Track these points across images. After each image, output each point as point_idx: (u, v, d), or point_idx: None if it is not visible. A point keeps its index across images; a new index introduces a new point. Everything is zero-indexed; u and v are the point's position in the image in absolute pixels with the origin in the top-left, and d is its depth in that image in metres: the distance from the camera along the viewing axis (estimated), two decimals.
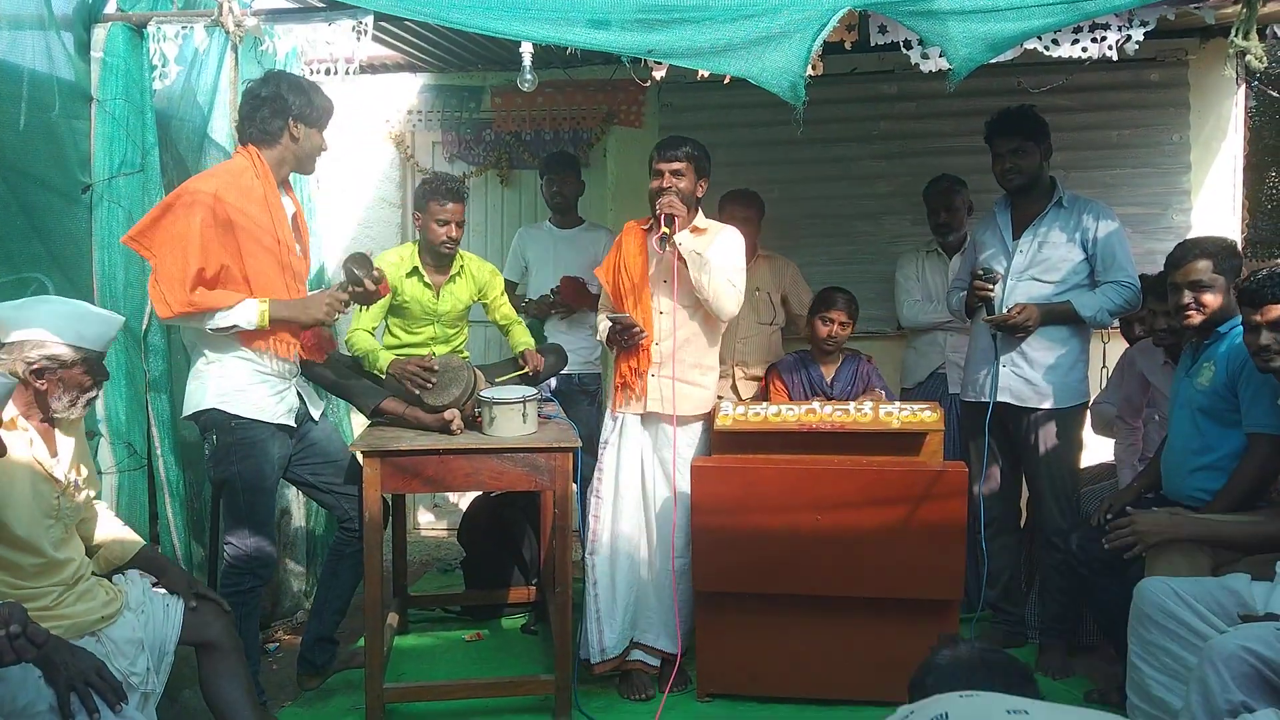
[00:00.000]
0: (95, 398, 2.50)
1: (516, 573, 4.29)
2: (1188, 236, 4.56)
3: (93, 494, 2.57)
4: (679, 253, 3.28)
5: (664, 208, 3.27)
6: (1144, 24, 3.07)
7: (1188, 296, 3.01)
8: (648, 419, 3.43)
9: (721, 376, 4.26)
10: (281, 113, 2.97)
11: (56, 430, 2.44)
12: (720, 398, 4.16)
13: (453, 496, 5.54)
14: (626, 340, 3.34)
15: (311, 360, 3.23)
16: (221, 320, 2.87)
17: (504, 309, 3.83)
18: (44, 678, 2.02)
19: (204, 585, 2.66)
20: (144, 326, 3.26)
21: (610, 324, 3.36)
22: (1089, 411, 3.76)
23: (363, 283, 3.05)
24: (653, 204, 3.33)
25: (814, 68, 2.90)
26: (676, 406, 3.36)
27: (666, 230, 3.26)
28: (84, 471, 2.50)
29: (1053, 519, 3.54)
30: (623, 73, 3.79)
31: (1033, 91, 4.54)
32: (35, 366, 2.32)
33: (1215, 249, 3.00)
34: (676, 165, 3.33)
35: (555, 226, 4.53)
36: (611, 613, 3.37)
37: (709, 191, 3.51)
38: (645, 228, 3.44)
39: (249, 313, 2.89)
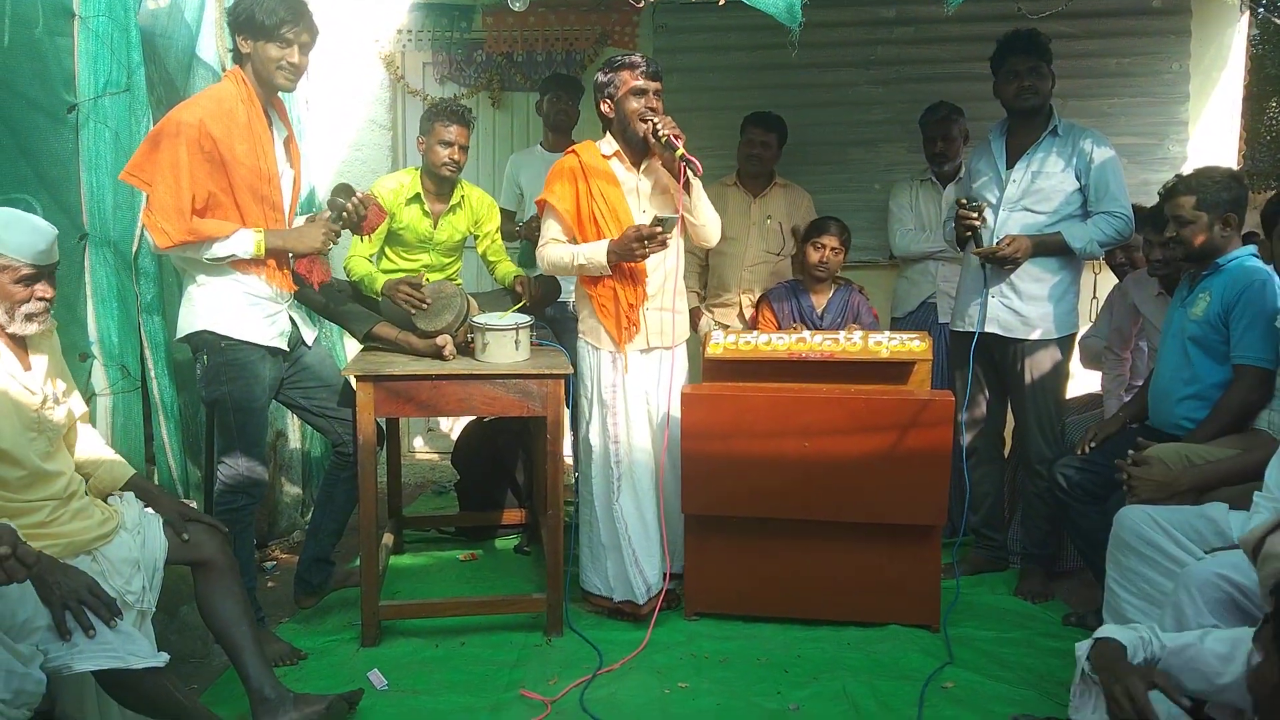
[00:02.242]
0: (39, 315, 2.36)
1: (509, 495, 4.36)
2: (1183, 167, 4.56)
3: (79, 411, 2.57)
4: (686, 177, 3.16)
5: (670, 128, 3.14)
6: None
7: (1171, 230, 3.05)
8: (647, 353, 3.38)
9: (728, 305, 4.29)
10: (233, 30, 2.89)
11: (27, 345, 2.43)
12: (721, 325, 4.18)
13: (445, 424, 5.59)
14: (646, 252, 3.14)
15: (306, 284, 3.23)
16: (219, 250, 2.86)
17: (495, 244, 3.82)
18: (40, 597, 2.06)
19: (194, 510, 2.69)
20: (134, 250, 3.25)
21: (624, 244, 3.12)
22: (1077, 345, 3.79)
23: (348, 210, 3.03)
24: (629, 128, 3.20)
25: None
26: (675, 336, 3.37)
27: (683, 153, 3.11)
28: (61, 385, 2.49)
29: (1037, 448, 3.60)
30: None
31: (1032, 17, 4.46)
32: None
33: (1202, 184, 2.99)
34: (660, 85, 3.23)
35: (546, 150, 4.49)
36: (649, 551, 3.34)
37: (710, 112, 3.40)
38: (609, 154, 3.28)
39: (245, 242, 2.88)
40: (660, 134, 3.15)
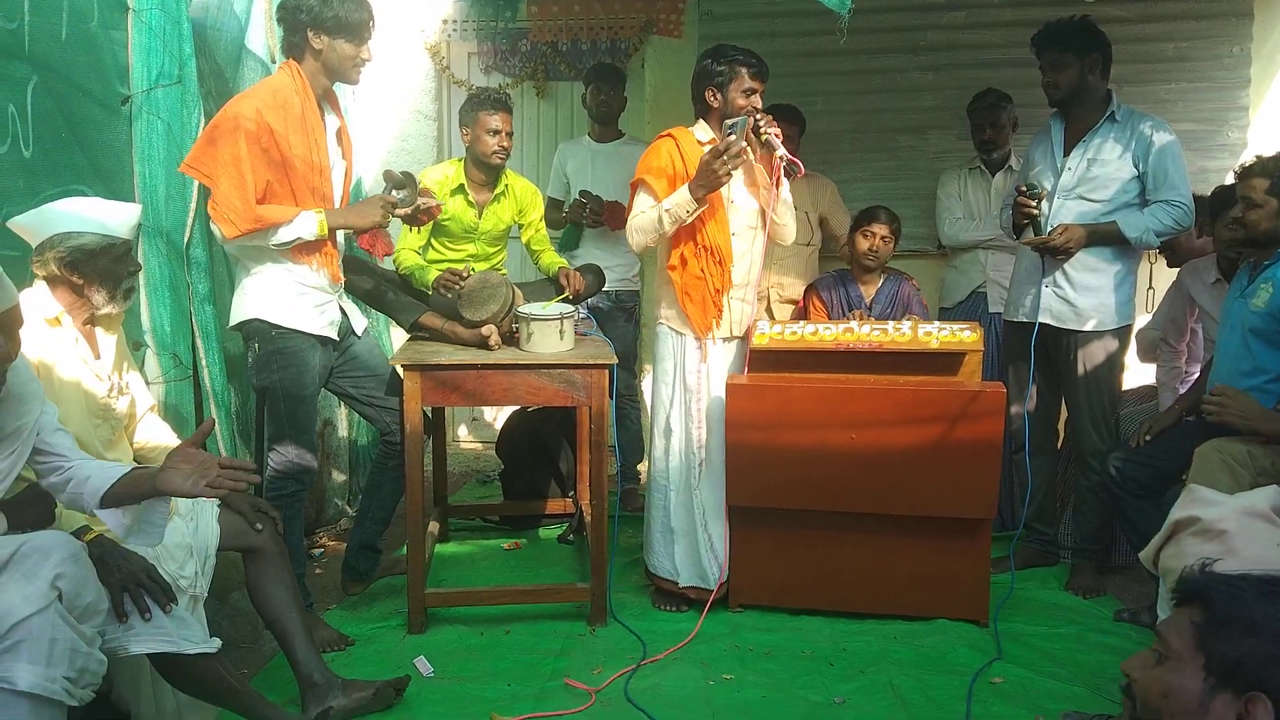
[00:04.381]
0: (133, 289, 2.56)
1: (553, 485, 4.37)
2: (1243, 154, 4.44)
3: (147, 403, 2.65)
4: (781, 176, 3.20)
5: (773, 127, 3.18)
6: None
7: (1238, 210, 2.99)
8: (728, 341, 3.37)
9: (757, 298, 4.26)
10: (299, 25, 2.93)
11: (98, 330, 2.51)
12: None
13: (489, 413, 5.62)
14: (728, 168, 3.05)
15: (356, 273, 3.27)
16: (285, 234, 2.90)
17: (539, 233, 3.82)
18: (98, 577, 2.11)
19: (250, 496, 2.73)
20: (185, 240, 3.29)
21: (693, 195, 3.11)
22: (1134, 337, 3.71)
23: (405, 186, 3.08)
24: (724, 119, 3.20)
25: None
26: (743, 328, 3.38)
27: (784, 154, 3.15)
28: (127, 373, 2.58)
29: (1090, 440, 3.52)
30: None
31: (1087, 1, 4.38)
32: (67, 259, 2.38)
33: (1279, 169, 2.91)
34: (764, 86, 3.25)
35: (594, 140, 4.48)
36: (721, 536, 3.34)
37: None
38: (706, 141, 3.27)
39: (309, 223, 2.92)
40: (764, 133, 3.18)
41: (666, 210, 3.17)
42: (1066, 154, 3.50)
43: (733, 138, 3.07)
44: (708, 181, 3.09)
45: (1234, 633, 1.39)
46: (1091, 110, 3.46)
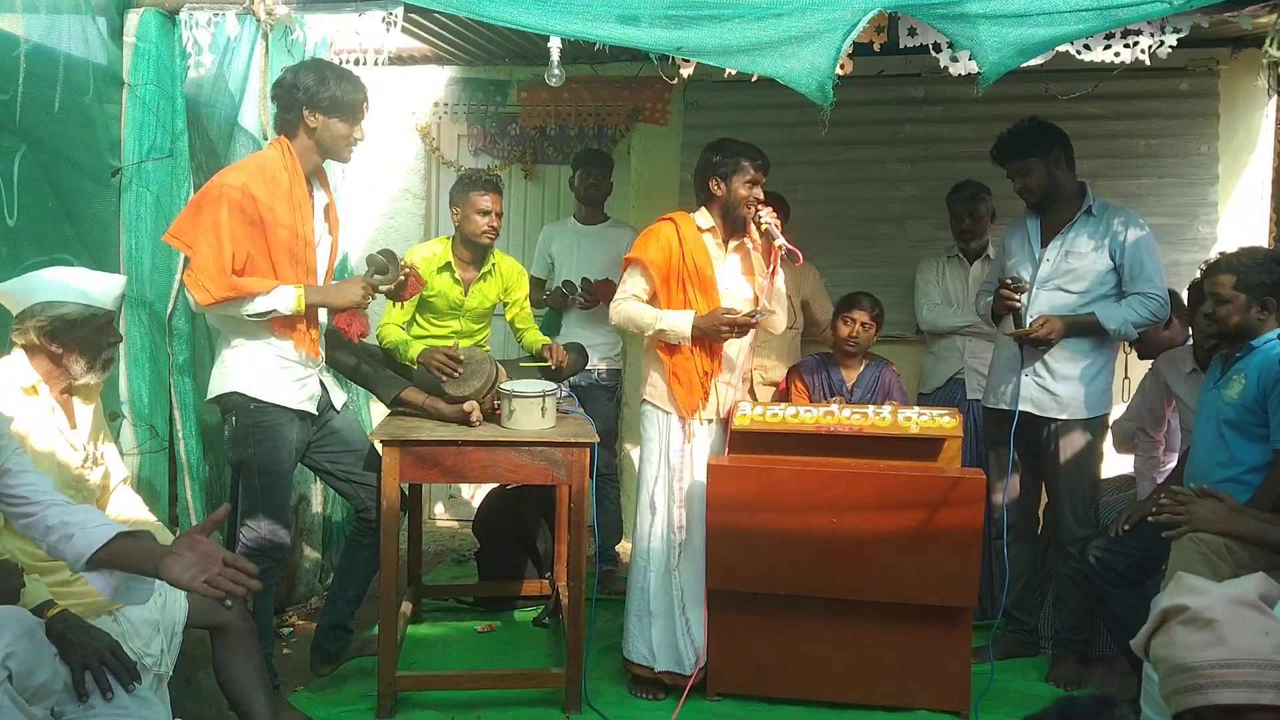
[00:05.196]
0: (111, 360, 2.56)
1: (530, 565, 4.31)
2: (1213, 249, 4.54)
3: (120, 474, 2.61)
4: (776, 265, 3.32)
5: (774, 218, 3.30)
6: (1177, 30, 3.04)
7: (1208, 306, 3.03)
8: (710, 424, 3.39)
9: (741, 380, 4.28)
10: (295, 103, 2.97)
11: (75, 400, 2.49)
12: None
13: (466, 490, 5.56)
14: (730, 336, 3.28)
15: (337, 348, 3.26)
16: (260, 305, 2.89)
17: (523, 311, 3.85)
18: (59, 655, 2.05)
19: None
20: (169, 311, 3.29)
21: (718, 321, 3.24)
22: (1110, 428, 3.73)
23: (385, 268, 3.08)
24: (734, 210, 3.31)
25: (842, 68, 2.90)
26: (726, 411, 3.40)
27: (783, 244, 3.26)
28: (102, 444, 2.54)
29: (1070, 528, 3.52)
30: (649, 69, 3.77)
31: (1061, 98, 4.52)
32: (47, 329, 2.37)
33: (1243, 264, 2.98)
34: (765, 178, 3.35)
35: (580, 223, 4.54)
36: (700, 621, 3.31)
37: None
38: (705, 228, 3.37)
39: (286, 297, 2.91)
40: (763, 223, 3.28)
41: (661, 327, 3.29)
42: (1044, 245, 3.57)
43: (753, 320, 3.25)
44: (710, 334, 3.28)
45: None
46: (1066, 204, 3.54)
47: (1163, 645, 1.99)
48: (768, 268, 3.35)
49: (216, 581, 1.95)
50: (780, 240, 3.27)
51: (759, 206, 3.32)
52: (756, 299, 3.37)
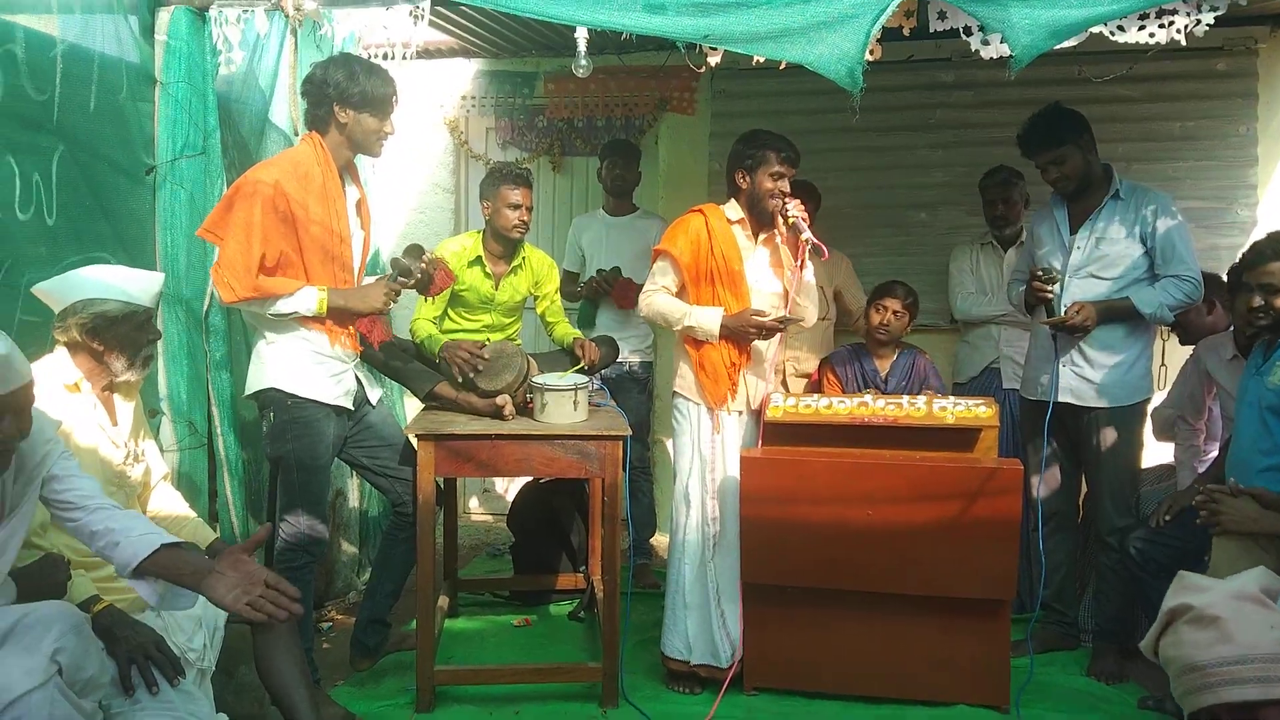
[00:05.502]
0: (151, 356, 2.59)
1: (564, 559, 4.32)
2: (1253, 232, 4.46)
3: (160, 471, 2.63)
4: (804, 258, 3.29)
5: (801, 211, 3.27)
6: (1214, 8, 2.97)
7: (1258, 298, 2.93)
8: (740, 415, 3.38)
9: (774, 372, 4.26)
10: (325, 99, 2.98)
11: (116, 397, 2.52)
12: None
13: (500, 484, 5.58)
14: (758, 337, 3.28)
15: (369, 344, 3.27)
16: (283, 306, 2.90)
17: (553, 305, 3.85)
18: (105, 649, 2.07)
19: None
20: (205, 308, 3.32)
21: (746, 320, 3.23)
22: (1149, 415, 3.68)
23: (410, 273, 3.07)
24: (760, 203, 3.29)
25: (871, 53, 2.85)
26: (757, 402, 3.38)
27: (809, 238, 3.24)
28: (143, 441, 2.57)
29: (1109, 519, 3.48)
30: (676, 59, 3.76)
31: (1095, 81, 4.45)
32: (89, 326, 2.39)
33: None
34: (793, 172, 3.32)
35: (608, 214, 4.53)
36: (735, 614, 3.29)
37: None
38: (735, 220, 3.35)
39: (308, 300, 2.92)
40: (790, 216, 3.26)
41: (689, 323, 3.28)
42: (1073, 232, 3.51)
43: (781, 326, 3.24)
44: (737, 334, 3.26)
45: None
46: (1095, 189, 3.48)
47: (1171, 645, 1.97)
48: (795, 261, 3.32)
49: (258, 604, 1.99)
50: (807, 234, 3.24)
51: (786, 199, 3.29)
52: (786, 292, 3.35)
